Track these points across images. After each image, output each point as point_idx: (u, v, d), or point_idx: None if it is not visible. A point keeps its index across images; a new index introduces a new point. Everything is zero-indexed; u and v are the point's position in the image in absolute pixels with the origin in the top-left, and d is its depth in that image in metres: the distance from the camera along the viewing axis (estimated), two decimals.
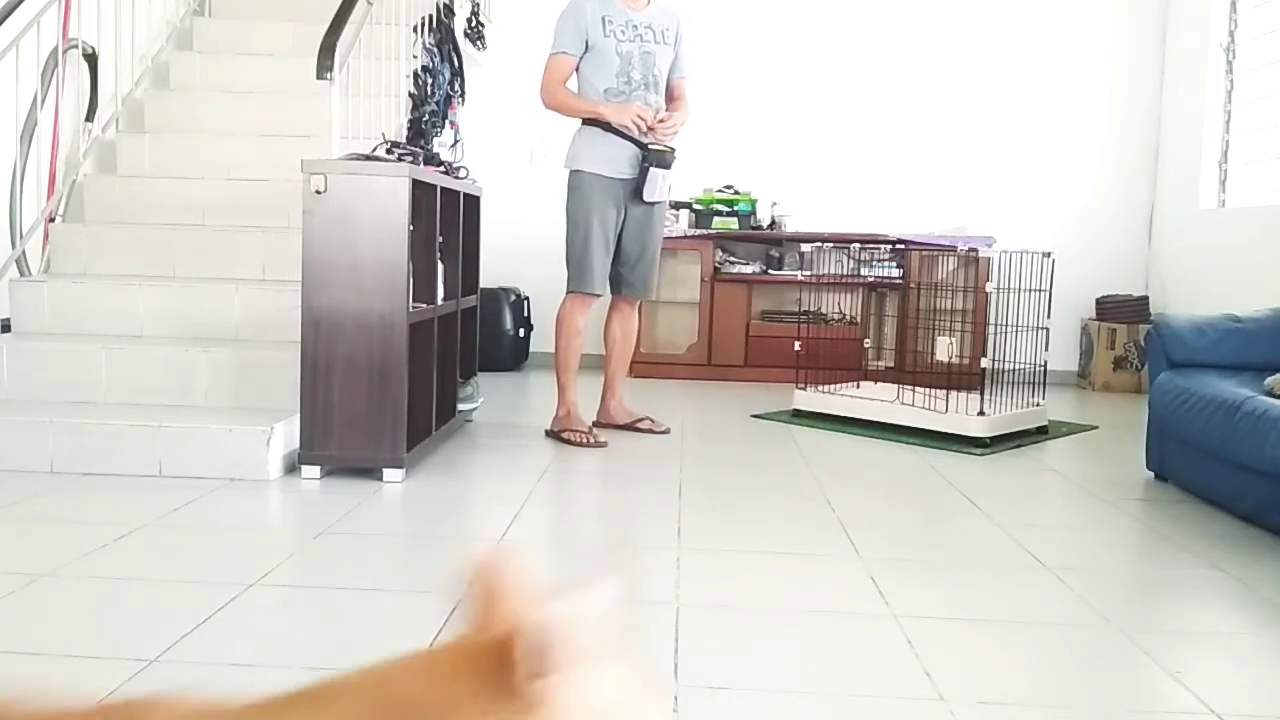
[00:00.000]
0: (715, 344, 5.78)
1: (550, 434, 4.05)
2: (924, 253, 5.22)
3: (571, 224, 4.02)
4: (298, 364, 3.27)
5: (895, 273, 5.72)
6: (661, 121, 3.91)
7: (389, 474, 3.28)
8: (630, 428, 4.21)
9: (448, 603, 2.21)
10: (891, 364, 5.35)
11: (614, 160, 3.93)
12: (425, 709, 0.53)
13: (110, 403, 3.57)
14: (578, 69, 3.96)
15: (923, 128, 6.23)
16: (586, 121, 3.97)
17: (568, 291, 4.06)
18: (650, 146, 3.91)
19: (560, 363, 4.10)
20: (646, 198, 3.96)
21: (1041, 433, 4.41)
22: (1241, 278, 5.10)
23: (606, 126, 3.90)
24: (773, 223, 6.02)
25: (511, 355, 6.02)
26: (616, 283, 4.15)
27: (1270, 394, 3.07)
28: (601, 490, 3.47)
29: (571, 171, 4.01)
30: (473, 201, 4.22)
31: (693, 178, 6.01)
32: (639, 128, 3.87)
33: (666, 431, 4.20)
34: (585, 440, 3.93)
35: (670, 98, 4.11)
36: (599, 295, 4.07)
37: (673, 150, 3.97)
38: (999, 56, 6.20)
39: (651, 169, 3.90)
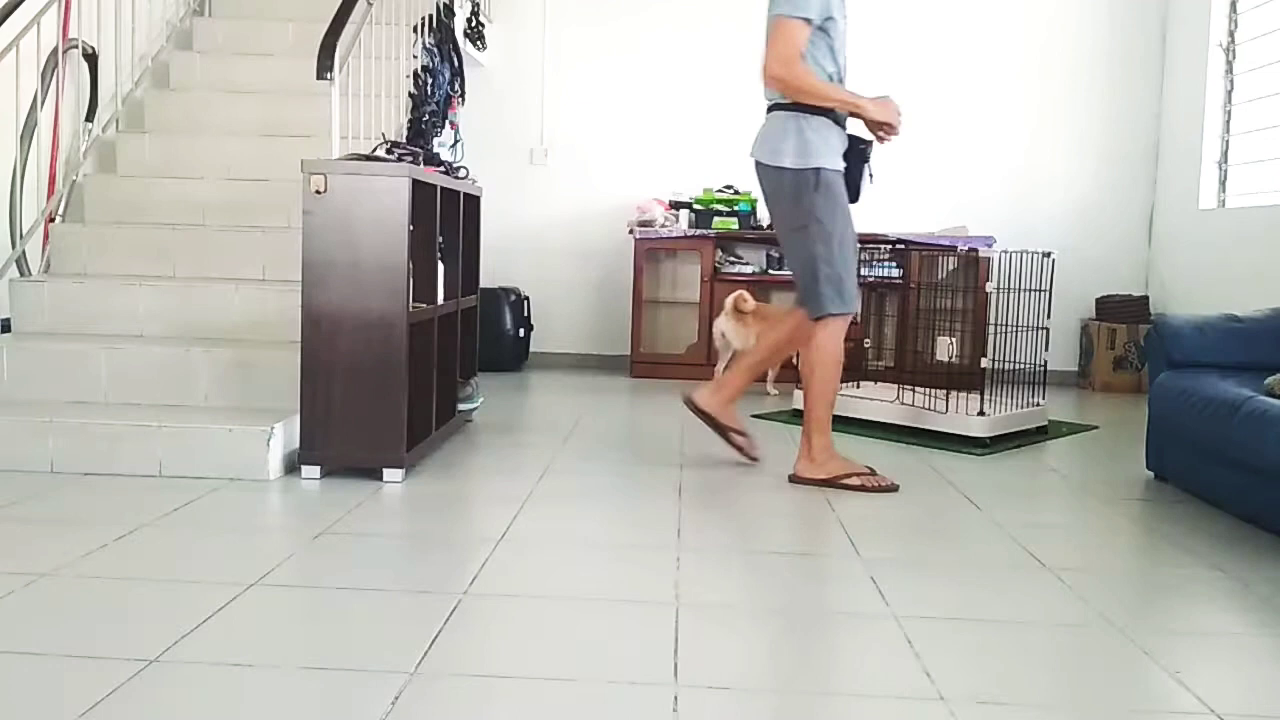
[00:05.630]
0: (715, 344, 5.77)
1: (813, 482, 3.41)
2: (924, 253, 5.22)
3: (825, 231, 3.32)
4: (298, 364, 3.27)
5: (895, 273, 5.72)
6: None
7: (389, 474, 3.28)
8: (725, 430, 3.70)
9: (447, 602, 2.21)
10: (891, 364, 5.34)
11: (840, 154, 3.36)
12: None
13: (110, 403, 3.57)
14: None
15: (922, 128, 6.22)
16: (813, 110, 3.28)
17: (825, 315, 3.36)
18: (863, 144, 3.38)
19: (825, 400, 3.45)
20: (859, 198, 3.42)
21: (1041, 433, 4.41)
22: (1241, 278, 5.10)
23: (832, 115, 3.30)
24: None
25: (511, 355, 6.02)
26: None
27: (1270, 394, 3.07)
28: (601, 490, 3.46)
29: (814, 170, 3.29)
30: (473, 201, 4.22)
31: (693, 177, 6.03)
32: (890, 130, 3.32)
33: (755, 460, 3.71)
34: (873, 485, 3.36)
35: None
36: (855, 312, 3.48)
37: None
38: (998, 56, 6.20)
39: (866, 165, 3.39)
